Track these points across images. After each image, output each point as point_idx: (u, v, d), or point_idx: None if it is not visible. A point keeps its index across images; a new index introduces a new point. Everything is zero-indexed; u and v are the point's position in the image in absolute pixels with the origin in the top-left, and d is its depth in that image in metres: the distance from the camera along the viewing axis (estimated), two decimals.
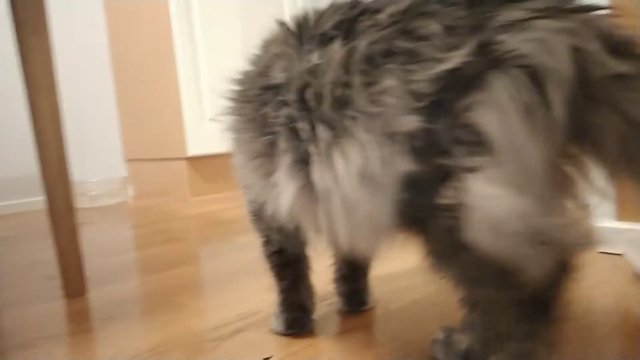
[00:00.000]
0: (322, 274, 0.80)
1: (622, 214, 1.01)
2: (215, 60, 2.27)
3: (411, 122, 0.45)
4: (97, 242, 1.59)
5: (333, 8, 0.55)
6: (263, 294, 0.89)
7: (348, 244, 0.53)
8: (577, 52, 0.42)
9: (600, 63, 0.42)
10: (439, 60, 0.45)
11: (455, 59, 0.44)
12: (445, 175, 0.45)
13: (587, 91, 0.43)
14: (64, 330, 0.85)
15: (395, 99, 0.46)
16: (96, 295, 1.02)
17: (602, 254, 1.01)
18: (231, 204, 2.01)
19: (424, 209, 0.47)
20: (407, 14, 0.48)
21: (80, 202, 2.32)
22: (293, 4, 2.51)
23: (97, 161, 2.60)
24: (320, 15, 0.56)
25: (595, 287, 0.84)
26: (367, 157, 0.47)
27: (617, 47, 0.44)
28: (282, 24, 0.61)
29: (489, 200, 0.43)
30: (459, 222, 0.45)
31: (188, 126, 2.23)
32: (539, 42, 0.42)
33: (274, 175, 0.57)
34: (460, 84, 0.44)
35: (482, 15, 0.45)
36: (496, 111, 0.43)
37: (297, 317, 0.75)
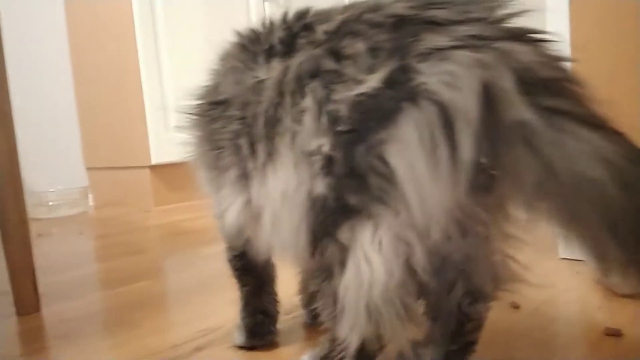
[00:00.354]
0: (289, 284, 0.78)
1: None
2: (179, 67, 2.23)
3: (323, 145, 0.46)
4: (54, 255, 1.53)
5: (283, 19, 0.56)
6: (225, 308, 0.87)
7: (284, 258, 0.54)
8: (489, 89, 0.41)
9: (510, 103, 0.41)
10: (359, 82, 0.45)
11: (370, 82, 0.44)
12: (350, 211, 0.46)
13: (500, 131, 0.42)
14: (15, 351, 0.81)
15: (312, 120, 0.46)
16: (50, 313, 0.97)
17: (564, 260, 1.02)
18: (196, 214, 1.97)
19: (328, 238, 0.48)
20: (337, 32, 0.49)
21: (39, 213, 2.24)
22: (259, 8, 2.50)
23: (57, 170, 2.52)
24: (271, 27, 0.57)
25: (558, 295, 0.85)
26: (288, 176, 0.48)
27: (535, 85, 0.42)
28: (238, 35, 0.62)
29: (364, 264, 0.44)
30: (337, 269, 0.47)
31: (151, 133, 2.18)
32: (450, 76, 0.41)
33: (222, 190, 0.59)
34: (377, 113, 0.44)
35: (405, 40, 0.44)
36: (404, 150, 0.42)
37: (259, 323, 0.73)
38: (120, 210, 2.31)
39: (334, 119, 0.45)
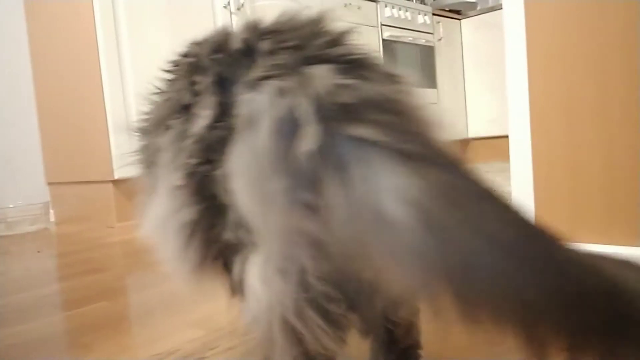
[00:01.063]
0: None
1: None
2: (143, 79, 2.19)
3: (176, 180, 0.48)
4: (10, 274, 1.47)
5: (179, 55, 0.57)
6: (183, 330, 0.85)
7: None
8: (287, 119, 0.40)
9: (306, 132, 0.39)
10: (200, 117, 0.46)
11: (205, 117, 0.46)
12: (233, 245, 0.47)
13: (296, 160, 0.40)
14: None
15: (170, 155, 0.49)
16: (1, 336, 0.93)
17: None
18: None
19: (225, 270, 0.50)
20: (191, 66, 0.51)
21: None
22: (225, 12, 2.48)
23: (16, 185, 2.44)
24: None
25: None
26: (161, 204, 0.50)
27: (337, 110, 0.40)
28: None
29: (254, 299, 0.45)
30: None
31: (114, 146, 2.13)
32: (255, 107, 0.42)
33: None
34: (213, 147, 0.45)
35: (241, 70, 0.46)
36: (238, 183, 0.43)
37: None
38: (82, 226, 2.25)
39: (188, 154, 0.47)
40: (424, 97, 0.50)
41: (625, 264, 0.38)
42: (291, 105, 0.40)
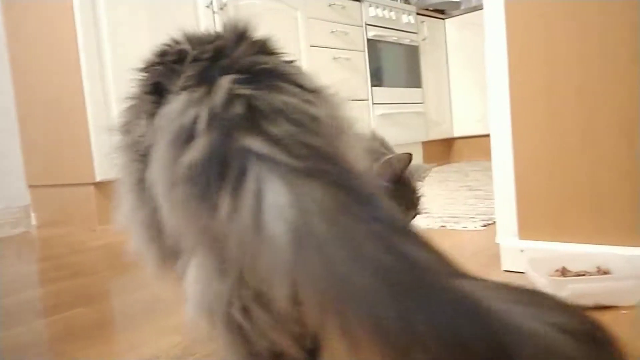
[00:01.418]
0: None
1: (524, 232, 1.04)
2: (123, 81, 2.16)
3: (130, 181, 0.53)
4: None
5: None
6: (163, 336, 0.83)
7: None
8: (185, 128, 0.43)
9: (197, 145, 0.42)
10: (138, 125, 0.52)
11: (138, 127, 0.50)
12: (176, 251, 0.50)
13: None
14: None
15: (125, 158, 0.54)
16: None
17: (506, 272, 1.04)
18: None
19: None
20: (143, 72, 0.56)
21: None
22: (207, 11, 2.46)
23: None
24: None
25: None
26: (127, 200, 0.54)
27: (231, 123, 0.41)
28: None
29: (191, 289, 0.47)
30: None
31: (95, 149, 2.10)
32: (162, 119, 0.46)
33: None
34: (148, 153, 0.48)
35: (172, 80, 0.49)
36: (155, 190, 0.46)
37: None
38: (64, 230, 2.21)
39: (133, 159, 0.52)
40: (341, 109, 0.51)
41: (515, 295, 0.36)
42: (193, 116, 0.41)
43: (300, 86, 0.46)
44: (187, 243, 0.46)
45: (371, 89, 3.48)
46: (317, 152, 0.40)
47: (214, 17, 2.51)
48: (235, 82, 0.44)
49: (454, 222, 1.62)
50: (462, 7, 4.33)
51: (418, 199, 0.91)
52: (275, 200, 0.36)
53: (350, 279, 0.33)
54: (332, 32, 3.21)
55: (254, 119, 0.41)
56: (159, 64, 0.52)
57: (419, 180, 0.93)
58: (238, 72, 0.45)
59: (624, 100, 0.90)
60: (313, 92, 0.47)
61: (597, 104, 0.93)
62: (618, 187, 0.92)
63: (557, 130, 0.98)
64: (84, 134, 2.12)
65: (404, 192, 0.89)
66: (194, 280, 0.46)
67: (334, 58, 3.21)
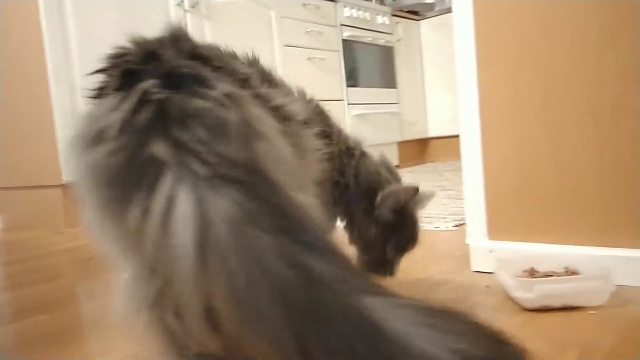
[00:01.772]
0: None
1: (493, 233, 1.05)
2: (91, 81, 2.11)
3: None
4: None
5: None
6: (132, 341, 0.81)
7: None
8: (96, 137, 0.44)
9: (105, 149, 0.44)
10: None
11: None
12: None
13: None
14: None
15: None
16: None
17: (476, 272, 1.04)
18: None
19: None
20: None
21: None
22: (178, 9, 2.43)
23: None
24: None
25: (470, 309, 0.86)
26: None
27: (141, 127, 0.43)
28: None
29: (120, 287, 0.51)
30: None
31: (62, 150, 2.05)
32: (85, 123, 0.49)
33: None
34: None
35: (107, 83, 0.54)
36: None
37: None
38: (30, 233, 2.15)
39: None
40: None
41: (424, 317, 0.36)
42: (105, 123, 0.42)
43: (222, 91, 0.45)
44: (110, 247, 0.48)
45: (346, 89, 3.48)
46: (227, 159, 0.39)
47: (185, 15, 2.48)
48: (155, 86, 0.43)
49: (427, 223, 1.63)
50: (437, 9, 4.37)
51: (418, 231, 0.91)
52: (183, 209, 0.36)
53: (249, 294, 0.34)
54: (307, 32, 3.20)
55: (163, 124, 0.40)
56: (105, 68, 0.54)
57: (421, 209, 0.93)
58: (161, 76, 0.45)
59: (591, 102, 0.91)
60: (234, 98, 0.46)
61: (565, 106, 0.94)
62: (585, 188, 0.93)
63: (526, 132, 0.98)
64: (50, 135, 2.06)
65: (405, 224, 0.89)
66: (124, 281, 0.47)
67: (309, 58, 3.20)
